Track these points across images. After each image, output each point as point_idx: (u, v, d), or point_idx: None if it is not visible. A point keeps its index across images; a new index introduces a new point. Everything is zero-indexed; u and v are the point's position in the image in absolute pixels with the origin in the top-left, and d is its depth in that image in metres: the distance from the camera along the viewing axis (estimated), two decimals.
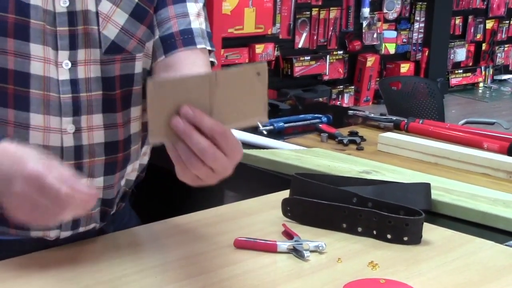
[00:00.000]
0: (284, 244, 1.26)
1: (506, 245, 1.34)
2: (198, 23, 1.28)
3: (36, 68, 1.16)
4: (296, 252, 1.24)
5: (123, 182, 1.33)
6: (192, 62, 1.24)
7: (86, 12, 1.19)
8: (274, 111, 2.28)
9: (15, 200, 0.99)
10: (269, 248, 1.25)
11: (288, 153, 1.82)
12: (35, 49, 1.16)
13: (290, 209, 1.39)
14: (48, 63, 1.17)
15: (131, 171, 1.34)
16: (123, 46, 1.23)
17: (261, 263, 1.21)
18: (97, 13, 1.20)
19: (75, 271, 1.15)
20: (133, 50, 1.24)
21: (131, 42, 1.24)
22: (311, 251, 1.25)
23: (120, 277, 1.14)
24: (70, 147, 1.21)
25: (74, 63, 1.19)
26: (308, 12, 6.13)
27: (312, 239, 1.27)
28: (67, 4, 1.17)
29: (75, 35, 1.19)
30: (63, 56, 1.18)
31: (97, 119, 1.23)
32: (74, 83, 1.19)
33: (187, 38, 1.25)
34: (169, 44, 1.25)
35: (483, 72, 7.63)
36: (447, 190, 1.54)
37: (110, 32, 1.21)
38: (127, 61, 1.24)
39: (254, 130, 2.06)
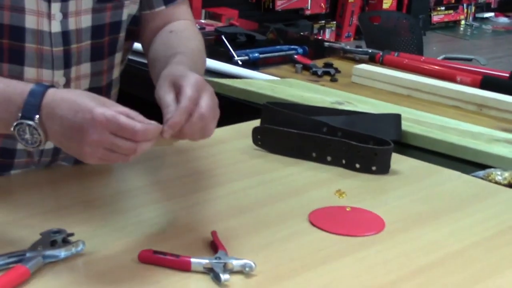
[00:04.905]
0: (199, 262, 0.96)
1: (473, 175, 1.35)
2: None
3: (30, 22, 1.16)
4: (214, 273, 0.95)
5: None
6: (185, 12, 1.36)
7: None
8: (250, 42, 2.26)
9: (90, 148, 0.97)
10: (181, 267, 0.97)
11: (261, 83, 1.81)
12: (29, 2, 1.15)
13: (260, 138, 1.39)
14: (42, 17, 1.16)
15: None
16: None
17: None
18: None
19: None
20: None
21: None
22: (235, 272, 0.95)
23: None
24: None
25: (65, 15, 1.18)
26: None
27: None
28: None
29: None
30: (55, 8, 1.17)
31: (85, 68, 1.25)
32: (65, 35, 1.19)
33: None
34: None
35: (465, 10, 7.60)
36: (417, 122, 1.55)
37: None
38: (116, 8, 1.25)
39: (229, 60, 2.04)
